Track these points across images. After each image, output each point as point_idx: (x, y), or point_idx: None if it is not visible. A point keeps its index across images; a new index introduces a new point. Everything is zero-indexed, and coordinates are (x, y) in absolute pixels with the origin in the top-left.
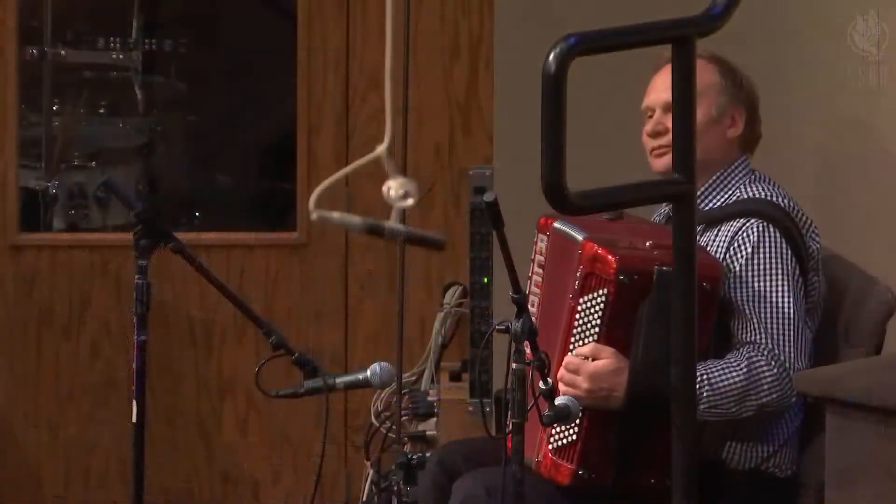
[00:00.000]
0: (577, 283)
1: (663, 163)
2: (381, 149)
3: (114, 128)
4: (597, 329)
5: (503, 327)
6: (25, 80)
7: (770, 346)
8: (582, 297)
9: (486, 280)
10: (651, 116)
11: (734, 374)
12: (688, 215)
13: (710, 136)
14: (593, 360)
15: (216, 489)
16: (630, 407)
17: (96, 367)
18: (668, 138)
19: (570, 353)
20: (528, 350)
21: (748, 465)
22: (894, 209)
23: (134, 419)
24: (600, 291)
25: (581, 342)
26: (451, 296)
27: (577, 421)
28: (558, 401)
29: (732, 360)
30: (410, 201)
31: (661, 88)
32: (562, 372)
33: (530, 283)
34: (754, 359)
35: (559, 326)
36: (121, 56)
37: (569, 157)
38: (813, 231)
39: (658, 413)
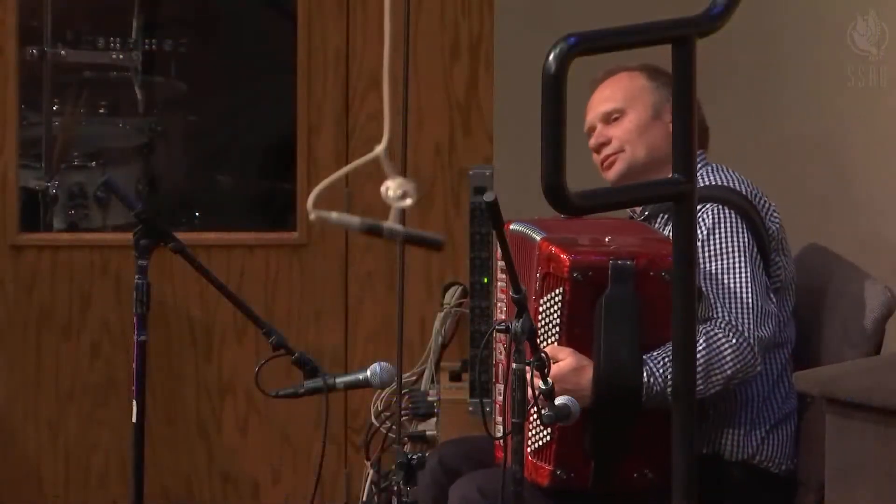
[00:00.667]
0: (536, 283)
1: (614, 172)
2: (379, 149)
3: (114, 128)
4: (557, 328)
5: (503, 327)
6: (25, 80)
7: (727, 318)
8: (542, 297)
9: (486, 280)
10: (593, 132)
11: None
12: (688, 215)
13: (651, 134)
14: (553, 361)
15: (216, 489)
16: (599, 403)
17: (96, 367)
18: (612, 146)
19: None
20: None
21: (741, 455)
22: (894, 209)
23: (134, 419)
24: (557, 291)
25: (544, 342)
26: (451, 296)
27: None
28: (558, 401)
29: None
30: (409, 201)
31: (597, 104)
32: None
33: (496, 290)
34: (711, 332)
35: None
36: (121, 56)
37: (569, 157)
38: (773, 212)
39: (629, 406)
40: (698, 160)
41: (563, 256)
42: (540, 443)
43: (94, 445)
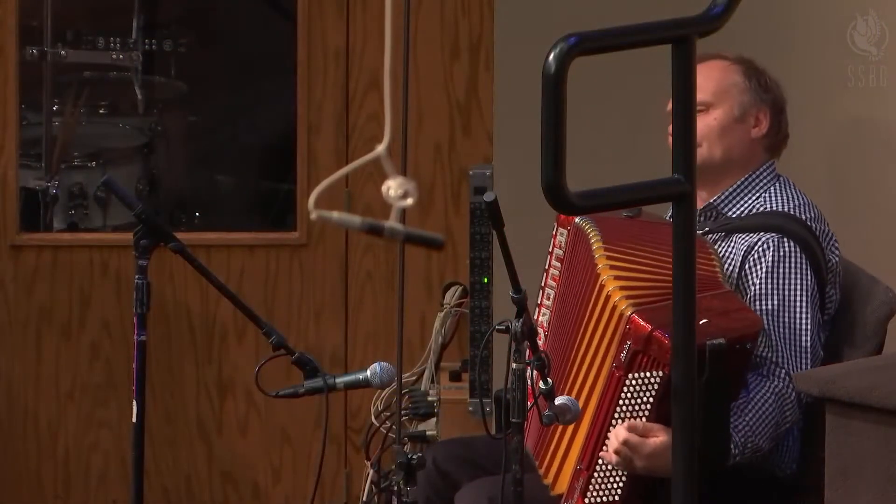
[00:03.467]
0: (623, 355)
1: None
2: (380, 149)
3: (114, 128)
4: (648, 407)
5: (503, 327)
6: (25, 80)
7: (786, 367)
8: (631, 372)
9: (486, 280)
10: None
11: (767, 413)
12: (688, 215)
13: (733, 135)
14: (646, 437)
15: (216, 489)
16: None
17: (96, 367)
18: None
19: (620, 427)
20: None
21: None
22: (894, 209)
23: (134, 419)
24: (654, 373)
25: (627, 417)
26: (451, 296)
27: (621, 482)
28: (558, 400)
29: (759, 398)
30: (410, 201)
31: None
32: (621, 447)
33: (547, 276)
34: (783, 392)
35: (589, 374)
36: (121, 56)
37: (569, 157)
38: (833, 244)
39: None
40: (768, 171)
41: (666, 343)
42: (603, 498)
43: (94, 445)
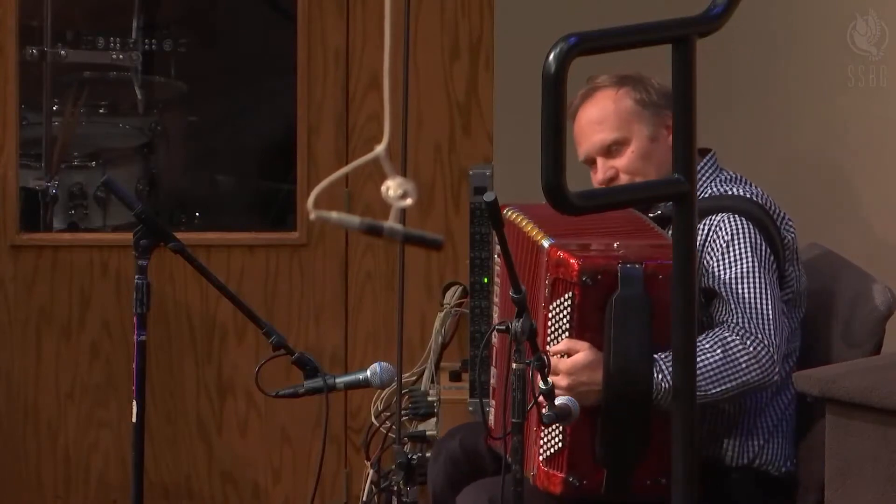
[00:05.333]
0: (545, 290)
1: None
2: (379, 149)
3: (114, 128)
4: (567, 333)
5: (503, 327)
6: (25, 80)
7: (743, 324)
8: (552, 303)
9: (485, 280)
10: (594, 164)
11: (707, 354)
12: (688, 215)
13: (656, 154)
14: (568, 356)
15: (216, 489)
16: (609, 402)
17: (96, 367)
18: (623, 179)
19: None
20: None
21: (742, 460)
22: (894, 209)
23: (134, 419)
24: (566, 295)
25: (554, 343)
26: (451, 296)
27: (561, 428)
28: (558, 400)
29: (704, 341)
30: (409, 201)
31: (589, 133)
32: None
33: (493, 274)
34: (728, 338)
35: (510, 316)
36: (121, 56)
37: (569, 157)
38: (787, 222)
39: (639, 406)
40: (708, 165)
41: (573, 261)
42: (552, 450)
43: (94, 445)
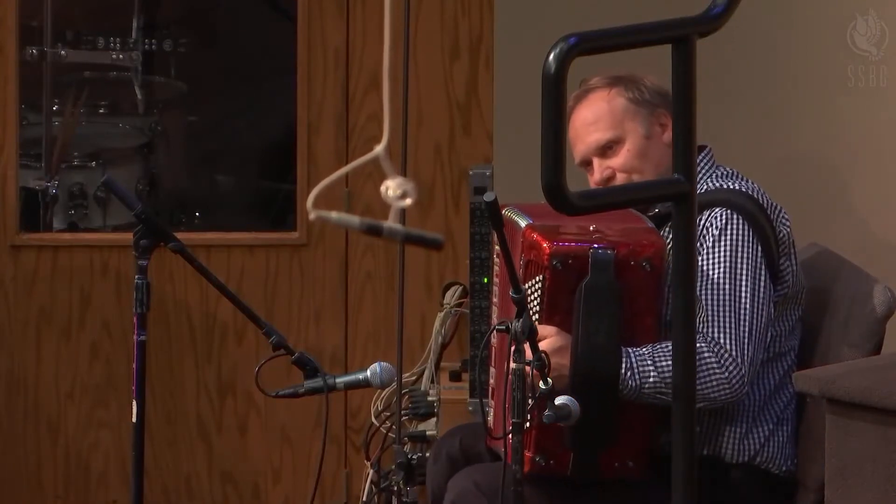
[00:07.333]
0: (520, 271)
1: None
2: (379, 148)
3: (114, 128)
4: (537, 316)
5: (503, 327)
6: (25, 80)
7: (719, 339)
8: (525, 283)
9: (486, 280)
10: (590, 166)
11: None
12: (688, 215)
13: (652, 152)
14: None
15: (216, 489)
16: (575, 388)
17: (96, 367)
18: (620, 178)
19: None
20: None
21: (743, 457)
22: (894, 209)
23: (134, 419)
24: (537, 278)
25: None
26: (451, 296)
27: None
28: (558, 400)
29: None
30: (408, 201)
31: (583, 135)
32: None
33: (492, 274)
34: (704, 355)
35: (509, 316)
36: (121, 56)
37: (568, 157)
38: (783, 216)
39: (605, 393)
40: (705, 160)
41: (544, 245)
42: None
43: (94, 445)
